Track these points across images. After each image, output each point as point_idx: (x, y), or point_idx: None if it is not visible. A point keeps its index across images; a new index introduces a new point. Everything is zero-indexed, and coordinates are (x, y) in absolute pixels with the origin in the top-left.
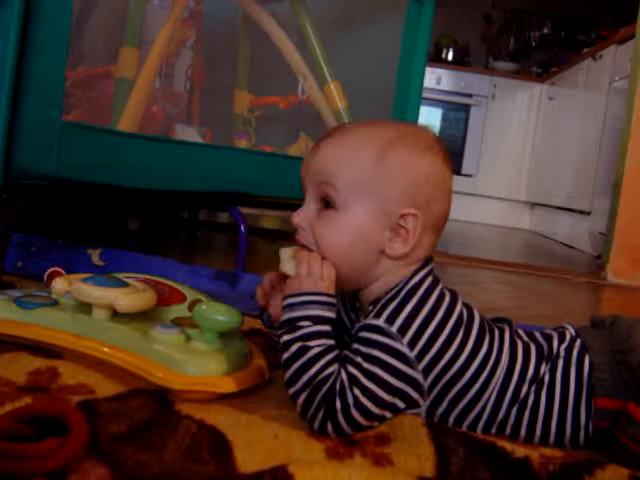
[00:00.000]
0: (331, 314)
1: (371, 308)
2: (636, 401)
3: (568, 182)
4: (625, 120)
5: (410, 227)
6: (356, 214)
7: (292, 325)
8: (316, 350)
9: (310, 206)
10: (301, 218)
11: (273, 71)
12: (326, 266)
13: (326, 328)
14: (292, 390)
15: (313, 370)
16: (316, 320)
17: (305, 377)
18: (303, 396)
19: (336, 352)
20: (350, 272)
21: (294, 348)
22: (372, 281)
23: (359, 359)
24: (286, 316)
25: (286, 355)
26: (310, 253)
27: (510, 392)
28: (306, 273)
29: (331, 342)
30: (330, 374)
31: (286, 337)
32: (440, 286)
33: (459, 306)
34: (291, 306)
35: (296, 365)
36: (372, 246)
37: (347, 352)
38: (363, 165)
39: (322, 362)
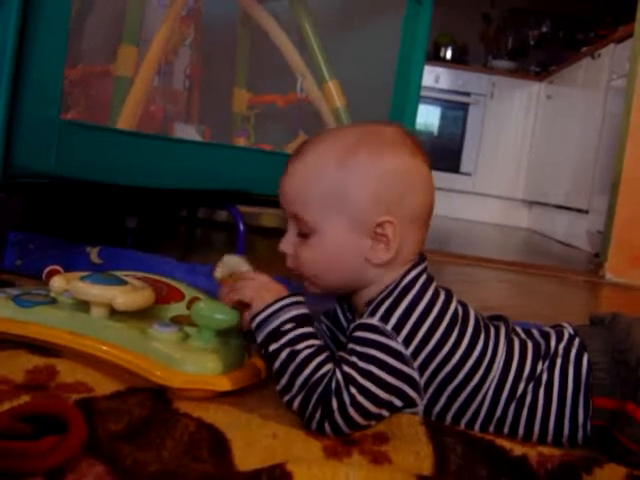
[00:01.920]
0: (304, 310)
1: (366, 309)
2: (635, 402)
3: (566, 180)
4: (623, 118)
5: (389, 233)
6: (331, 233)
7: (275, 333)
8: (306, 352)
9: (291, 232)
10: (285, 245)
11: (272, 69)
12: (258, 276)
13: (309, 330)
14: (287, 397)
15: (306, 372)
16: (296, 320)
17: (299, 380)
18: (299, 399)
19: (327, 353)
20: (339, 284)
21: (283, 355)
22: (364, 286)
23: (354, 358)
24: (264, 331)
25: (277, 363)
26: (233, 283)
27: (507, 390)
28: (254, 293)
29: (319, 342)
30: (324, 374)
31: (273, 346)
32: (434, 284)
33: (454, 304)
34: (264, 321)
35: (289, 370)
36: (355, 258)
37: (342, 352)
38: (325, 185)
39: (314, 363)
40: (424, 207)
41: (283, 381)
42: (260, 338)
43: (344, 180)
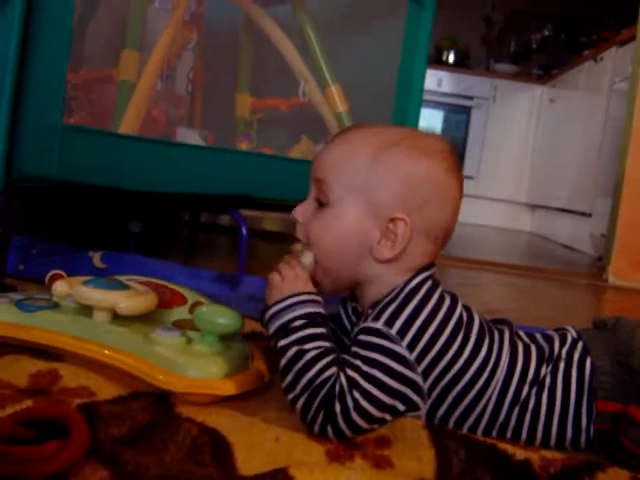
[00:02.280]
0: (318, 309)
1: (370, 311)
2: (639, 405)
3: (569, 184)
4: (626, 122)
5: (399, 232)
6: (346, 213)
7: (285, 329)
8: (313, 353)
9: (310, 201)
10: (299, 211)
11: (274, 73)
12: (296, 266)
13: (320, 330)
14: (291, 395)
15: (311, 373)
16: (308, 317)
17: (303, 380)
18: (302, 400)
19: (334, 355)
20: (339, 269)
21: (291, 353)
22: (366, 283)
23: (358, 362)
24: (276, 324)
25: (284, 360)
26: (277, 265)
27: (511, 394)
28: (280, 279)
29: (327, 344)
30: (328, 377)
31: (282, 342)
32: (440, 289)
33: (459, 308)
34: (277, 313)
35: (294, 369)
36: (360, 246)
37: (346, 356)
38: (357, 165)
39: (320, 365)
40: (443, 224)
41: (288, 378)
42: (271, 330)
43: (373, 172)
